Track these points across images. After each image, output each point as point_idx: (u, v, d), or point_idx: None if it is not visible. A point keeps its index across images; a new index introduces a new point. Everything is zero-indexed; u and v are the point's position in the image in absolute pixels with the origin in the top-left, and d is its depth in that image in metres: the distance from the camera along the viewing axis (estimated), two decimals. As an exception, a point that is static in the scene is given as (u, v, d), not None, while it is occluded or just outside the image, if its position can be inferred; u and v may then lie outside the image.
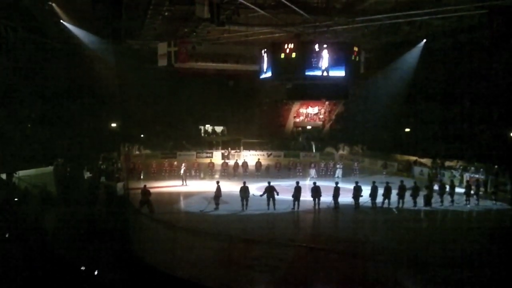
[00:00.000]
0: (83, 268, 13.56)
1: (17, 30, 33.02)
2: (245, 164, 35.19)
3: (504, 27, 22.23)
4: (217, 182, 23.14)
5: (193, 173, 33.67)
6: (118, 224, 17.32)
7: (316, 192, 22.74)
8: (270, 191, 22.41)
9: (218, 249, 15.41)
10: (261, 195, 22.77)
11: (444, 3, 25.37)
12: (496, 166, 29.12)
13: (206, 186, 27.78)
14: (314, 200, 22.74)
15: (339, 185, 23.58)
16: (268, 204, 22.36)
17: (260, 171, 34.57)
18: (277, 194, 22.49)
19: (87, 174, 28.41)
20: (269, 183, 22.85)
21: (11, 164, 27.76)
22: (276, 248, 16.25)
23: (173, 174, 32.33)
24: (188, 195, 26.39)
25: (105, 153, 34.92)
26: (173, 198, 26.55)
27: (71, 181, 25.61)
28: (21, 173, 27.05)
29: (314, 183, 23.36)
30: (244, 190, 22.58)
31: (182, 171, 31.00)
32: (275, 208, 22.25)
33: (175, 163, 34.28)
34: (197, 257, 14.97)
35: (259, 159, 37.91)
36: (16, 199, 21.74)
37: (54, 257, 14.52)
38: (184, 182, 30.23)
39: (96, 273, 13.34)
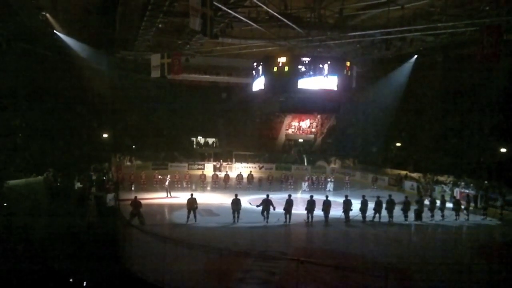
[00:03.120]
0: (71, 280, 13.46)
1: (10, 40, 32.98)
2: (239, 176, 35.29)
3: (494, 43, 22.54)
4: (191, 195, 22.88)
5: (184, 184, 33.60)
6: (108, 236, 17.20)
7: (311, 205, 22.70)
8: (266, 204, 22.34)
9: (208, 262, 15.34)
10: (257, 206, 22.72)
11: (435, 20, 25.75)
12: (486, 182, 29.32)
13: (197, 198, 27.67)
14: (308, 213, 22.71)
15: (329, 198, 23.61)
16: (263, 215, 22.29)
17: (252, 184, 34.62)
18: (273, 209, 22.36)
19: (77, 185, 28.20)
20: (267, 196, 22.75)
21: (1, 173, 27.53)
22: (267, 261, 16.23)
23: (163, 185, 32.19)
24: (178, 207, 26.25)
25: (96, 164, 34.74)
26: (163, 210, 26.45)
27: (61, 191, 25.39)
28: (11, 182, 26.82)
29: (311, 196, 23.29)
30: (236, 203, 22.52)
31: (167, 183, 30.87)
32: (268, 222, 22.21)
33: (166, 175, 34.04)
34: (188, 270, 14.88)
35: (251, 171, 38.01)
36: (5, 209, 21.52)
37: (43, 268, 14.38)
38: (168, 194, 29.99)
39: (85, 284, 13.24)
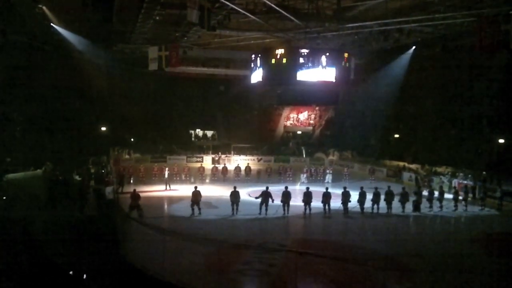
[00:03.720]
0: (71, 272, 13.50)
1: (6, 33, 32.86)
2: (237, 168, 35.35)
3: (491, 34, 22.54)
4: (195, 188, 22.75)
5: (183, 177, 33.65)
6: (108, 229, 17.24)
7: (307, 197, 22.75)
8: (266, 196, 22.34)
9: (208, 254, 15.42)
10: (256, 197, 22.73)
11: (433, 11, 25.71)
12: (484, 173, 29.41)
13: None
14: (305, 205, 22.75)
15: (329, 190, 23.64)
16: (261, 209, 22.27)
17: (250, 176, 34.64)
18: (272, 201, 22.34)
19: (76, 178, 28.22)
20: (267, 188, 22.72)
21: (-1, 167, 27.56)
22: (266, 253, 16.30)
23: (162, 178, 32.19)
24: (177, 199, 26.33)
25: (94, 157, 34.75)
26: (162, 202, 26.50)
27: (60, 184, 25.41)
28: (9, 176, 26.84)
29: (307, 188, 23.36)
30: (235, 195, 22.51)
31: (166, 176, 30.86)
32: (267, 214, 22.24)
33: (164, 167, 33.97)
34: (187, 262, 14.95)
35: (248, 163, 38.03)
36: (4, 203, 21.56)
37: (43, 262, 14.43)
38: (168, 186, 29.98)
39: (84, 277, 13.28)
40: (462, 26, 27.84)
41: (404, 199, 24.12)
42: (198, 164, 39.16)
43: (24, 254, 15.12)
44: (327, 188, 23.82)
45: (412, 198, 24.55)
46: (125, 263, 14.57)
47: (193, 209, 21.98)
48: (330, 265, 14.88)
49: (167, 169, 31.81)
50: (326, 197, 23.03)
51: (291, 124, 54.33)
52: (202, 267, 14.66)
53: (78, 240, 16.07)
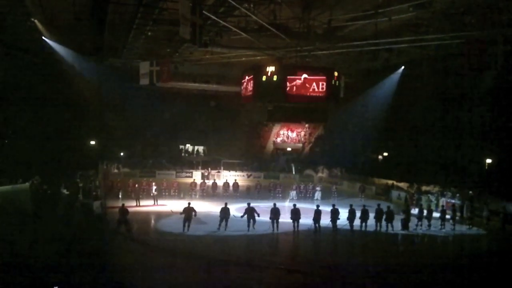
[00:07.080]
0: (56, 288, 13.33)
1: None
2: (226, 184, 35.27)
3: (479, 56, 22.94)
4: (188, 204, 22.57)
5: (172, 192, 33.48)
6: (95, 244, 17.09)
7: (295, 214, 22.77)
8: (250, 212, 22.33)
9: (196, 270, 15.32)
10: (241, 216, 22.65)
11: (422, 32, 26.13)
12: (471, 192, 29.63)
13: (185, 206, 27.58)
14: (294, 222, 22.74)
15: (320, 208, 23.62)
16: (249, 226, 22.23)
17: (238, 192, 34.57)
18: (258, 216, 22.35)
19: (64, 192, 27.98)
20: (248, 204, 22.72)
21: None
22: (255, 270, 16.24)
23: (150, 193, 31.97)
24: (166, 215, 26.20)
25: (82, 171, 34.52)
26: (150, 217, 26.35)
27: (48, 198, 25.16)
28: (-4, 189, 26.53)
29: (294, 205, 23.40)
30: (225, 211, 22.42)
31: (153, 191, 30.78)
32: (254, 228, 22.17)
33: (151, 182, 33.71)
34: (175, 279, 14.84)
35: (235, 180, 37.96)
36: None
37: (28, 277, 14.24)
38: (155, 202, 29.93)
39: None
40: (450, 48, 28.29)
41: (391, 217, 24.11)
42: (188, 180, 39.02)
43: (9, 269, 14.89)
44: (318, 206, 23.75)
45: (401, 216, 24.66)
46: (112, 279, 14.44)
47: (184, 225, 21.85)
48: (319, 283, 14.85)
49: (153, 184, 31.68)
50: (318, 214, 23.04)
51: (281, 140, 54.51)
52: (190, 283, 14.56)
53: (64, 256, 15.89)
